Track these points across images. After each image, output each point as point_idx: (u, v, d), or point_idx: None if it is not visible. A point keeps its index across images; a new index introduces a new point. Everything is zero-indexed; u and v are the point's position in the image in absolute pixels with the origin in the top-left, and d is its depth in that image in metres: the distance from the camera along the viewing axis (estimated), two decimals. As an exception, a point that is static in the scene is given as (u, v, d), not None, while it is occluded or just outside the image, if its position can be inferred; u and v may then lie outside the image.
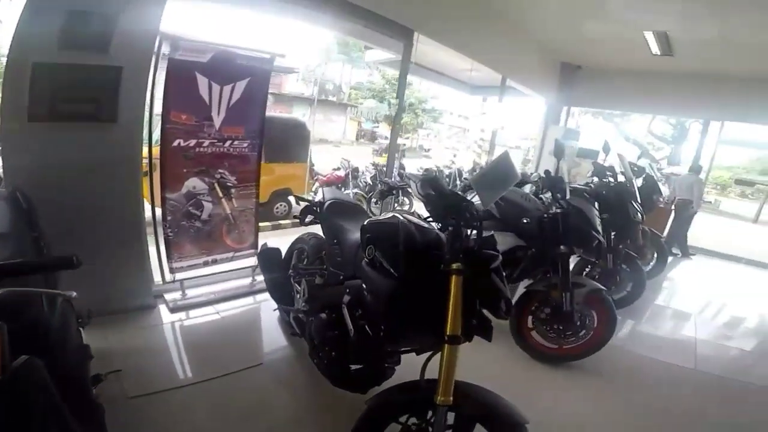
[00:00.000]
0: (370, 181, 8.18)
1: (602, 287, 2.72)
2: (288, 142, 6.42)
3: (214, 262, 3.19)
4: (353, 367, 1.77)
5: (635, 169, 4.30)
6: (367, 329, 1.64)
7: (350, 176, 8.06)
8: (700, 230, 7.10)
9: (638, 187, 3.99)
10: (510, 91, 7.41)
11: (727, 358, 3.31)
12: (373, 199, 7.81)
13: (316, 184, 8.04)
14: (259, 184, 3.33)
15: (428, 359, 1.46)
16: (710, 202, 13.98)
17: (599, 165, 3.98)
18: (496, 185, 1.64)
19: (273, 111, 16.84)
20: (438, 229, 1.58)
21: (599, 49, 6.30)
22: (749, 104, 6.29)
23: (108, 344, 2.32)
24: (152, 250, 2.90)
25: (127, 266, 2.68)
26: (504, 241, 2.67)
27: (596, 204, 2.97)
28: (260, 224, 5.91)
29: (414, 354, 1.65)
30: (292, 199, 6.70)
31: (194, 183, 2.93)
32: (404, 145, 18.37)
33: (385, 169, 8.35)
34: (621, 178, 3.81)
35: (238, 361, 2.39)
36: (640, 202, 3.70)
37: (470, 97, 10.67)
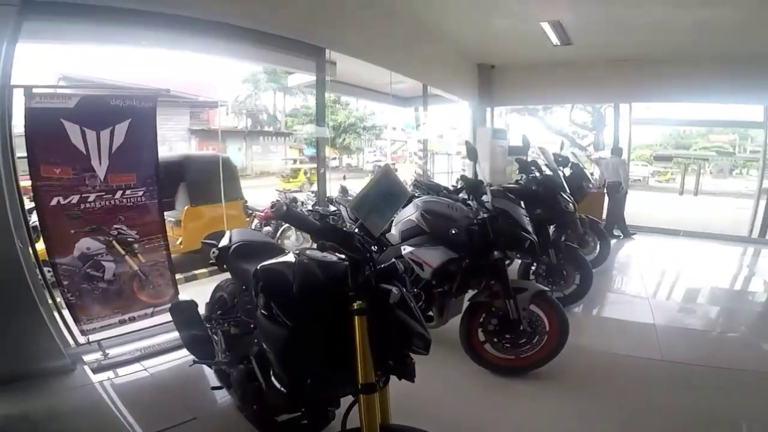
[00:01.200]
0: (312, 209, 7.86)
1: (544, 288, 2.62)
2: (213, 182, 5.86)
3: (132, 319, 2.87)
4: (288, 416, 1.61)
5: (560, 159, 4.34)
6: (275, 382, 1.44)
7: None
8: (636, 208, 7.47)
9: (566, 177, 4.03)
10: (437, 99, 7.52)
11: (690, 343, 3.23)
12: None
13: (255, 221, 7.61)
14: (166, 235, 2.99)
15: (349, 408, 1.28)
16: (639, 180, 14.96)
17: (522, 161, 3.99)
18: (384, 207, 1.45)
19: (203, 149, 16.26)
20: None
21: (506, 45, 6.51)
22: (650, 84, 6.77)
23: (26, 409, 2.18)
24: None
25: (30, 333, 2.42)
26: (436, 255, 2.51)
27: (522, 202, 2.88)
28: (197, 272, 5.55)
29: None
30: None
31: (87, 244, 2.58)
32: (347, 166, 18.29)
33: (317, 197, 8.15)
34: (547, 171, 3.83)
35: (170, 417, 2.15)
36: (570, 191, 3.71)
37: (403, 109, 10.75)
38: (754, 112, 7.31)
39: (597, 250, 4.77)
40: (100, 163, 2.55)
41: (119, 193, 2.67)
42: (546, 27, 5.26)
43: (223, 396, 2.36)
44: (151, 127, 2.76)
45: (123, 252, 2.73)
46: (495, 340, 2.57)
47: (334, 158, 23.27)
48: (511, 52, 6.91)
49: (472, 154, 2.84)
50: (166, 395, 2.44)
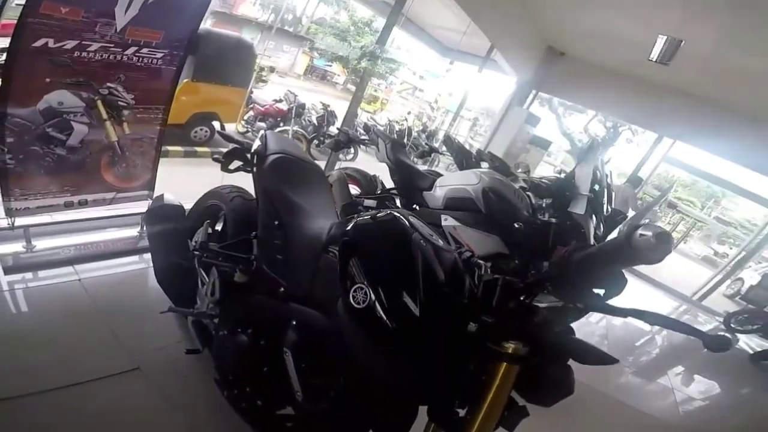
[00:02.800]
0: (315, 122, 7.30)
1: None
2: (226, 62, 5.38)
3: (84, 204, 2.26)
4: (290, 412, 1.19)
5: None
6: (325, 392, 1.04)
7: (293, 112, 7.03)
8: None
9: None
10: (474, 60, 6.86)
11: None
12: (318, 145, 7.00)
13: (250, 113, 6.92)
14: (169, 108, 2.39)
15: None
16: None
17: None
18: None
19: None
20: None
21: (593, 41, 5.86)
22: (713, 130, 6.27)
23: None
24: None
25: None
26: (485, 244, 2.15)
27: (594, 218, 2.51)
28: (171, 148, 4.94)
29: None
30: (217, 125, 5.65)
31: (62, 97, 1.94)
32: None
33: (333, 113, 7.51)
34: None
35: (101, 362, 1.61)
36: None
37: (440, 57, 9.90)
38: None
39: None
40: (126, 11, 1.88)
41: (132, 49, 2.03)
42: (660, 40, 4.62)
43: (181, 338, 1.83)
44: None
45: (105, 116, 2.12)
46: None
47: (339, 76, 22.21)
48: (593, 48, 6.22)
49: (581, 152, 2.37)
50: (99, 323, 1.80)
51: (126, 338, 1.77)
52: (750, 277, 8.71)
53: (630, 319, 0.87)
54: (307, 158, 1.62)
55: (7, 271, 1.95)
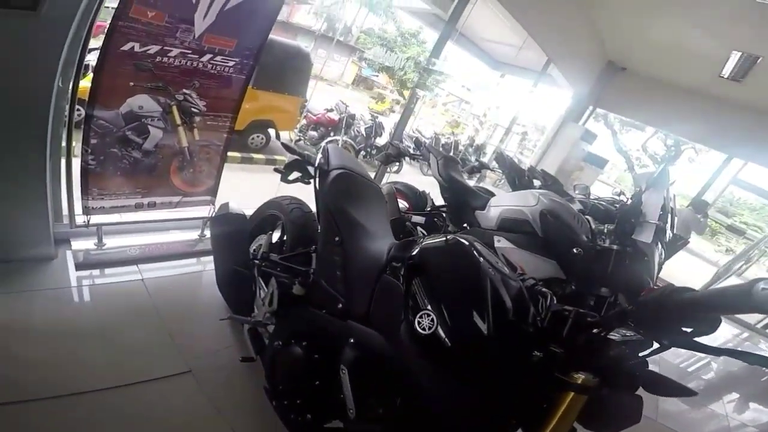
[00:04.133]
0: (363, 133, 7.40)
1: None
2: (284, 71, 5.58)
3: (152, 205, 2.40)
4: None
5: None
6: (379, 413, 1.03)
7: (344, 123, 7.18)
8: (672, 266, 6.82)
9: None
10: (526, 74, 6.72)
11: None
12: (366, 156, 7.07)
13: (303, 121, 7.13)
14: (236, 117, 2.51)
15: None
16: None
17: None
18: None
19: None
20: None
21: (659, 55, 5.59)
22: None
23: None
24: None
25: (21, 198, 1.84)
26: (540, 268, 2.06)
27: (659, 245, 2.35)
28: (229, 154, 5.22)
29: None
30: (272, 132, 5.87)
31: (142, 101, 2.07)
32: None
33: (381, 124, 7.58)
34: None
35: (158, 361, 1.68)
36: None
37: (491, 70, 9.78)
38: None
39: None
40: (204, 18, 2.00)
41: (208, 56, 2.14)
42: (734, 56, 4.33)
43: (236, 344, 1.89)
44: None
45: (180, 121, 2.25)
46: None
47: (388, 89, 22.44)
48: (659, 62, 5.94)
49: (652, 178, 2.24)
50: (157, 324, 1.87)
51: (181, 340, 1.83)
52: None
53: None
54: (367, 175, 1.60)
55: (78, 267, 2.07)
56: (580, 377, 0.83)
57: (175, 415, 1.54)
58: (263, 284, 1.64)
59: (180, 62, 2.07)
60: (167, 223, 2.58)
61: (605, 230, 2.25)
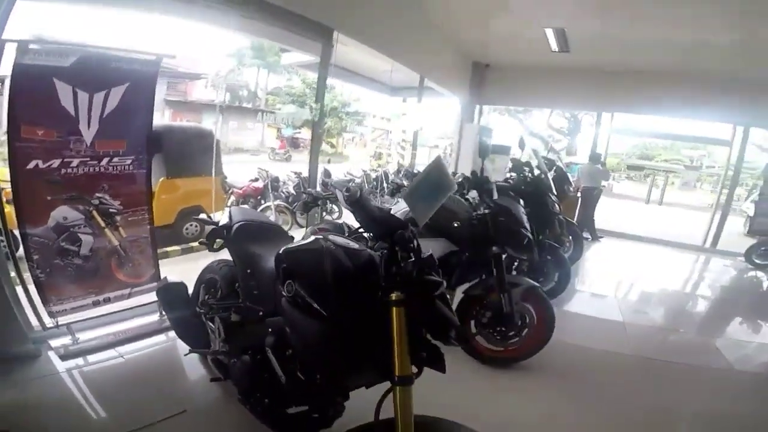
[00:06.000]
0: (293, 191, 7.71)
1: (536, 284, 2.71)
2: (193, 154, 5.68)
3: (107, 300, 2.68)
4: (295, 409, 1.54)
5: (547, 162, 4.47)
6: (299, 374, 1.41)
7: (270, 187, 7.50)
8: (603, 213, 7.80)
9: (552, 179, 4.18)
10: (427, 92, 7.51)
11: (653, 340, 3.53)
12: (298, 212, 7.36)
13: (232, 198, 7.38)
14: (151, 207, 2.85)
15: (383, 397, 1.27)
16: (604, 186, 15.55)
17: (517, 161, 4.09)
18: (431, 197, 1.47)
19: (179, 120, 15.53)
20: (370, 246, 1.40)
21: (505, 47, 6.61)
22: (635, 96, 7.03)
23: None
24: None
25: None
26: (437, 247, 2.55)
27: (521, 201, 2.96)
28: (169, 249, 5.34)
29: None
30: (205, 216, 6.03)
31: (65, 212, 2.40)
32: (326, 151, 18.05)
33: (307, 177, 7.99)
34: (536, 172, 3.93)
35: (156, 410, 2.00)
36: (555, 193, 3.85)
37: (390, 98, 10.67)
38: (722, 131, 7.75)
39: (570, 250, 4.94)
40: (89, 127, 2.37)
41: (105, 159, 2.51)
42: (549, 33, 5.36)
43: (212, 386, 2.21)
44: (150, 93, 2.61)
45: (103, 224, 2.57)
46: (486, 331, 2.65)
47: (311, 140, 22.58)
48: (508, 53, 7.02)
49: (484, 151, 2.88)
50: (149, 384, 2.24)
51: (170, 390, 2.19)
52: (748, 209, 8.76)
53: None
54: (265, 219, 2.16)
55: (63, 358, 2.35)
56: (393, 294, 1.20)
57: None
58: (211, 324, 2.04)
59: (84, 170, 2.42)
60: (128, 312, 2.82)
61: (478, 200, 2.79)
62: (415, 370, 1.24)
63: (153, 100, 2.65)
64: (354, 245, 1.39)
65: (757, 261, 6.38)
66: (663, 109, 7.32)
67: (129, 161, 2.62)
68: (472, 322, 2.68)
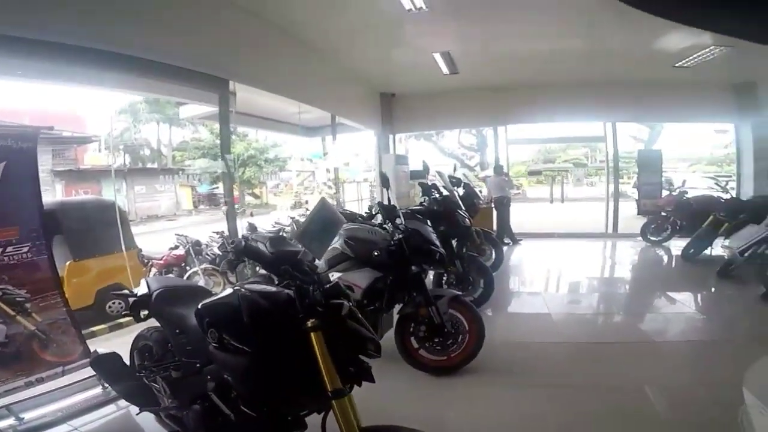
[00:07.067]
0: (219, 251, 7.36)
1: (457, 292, 2.97)
2: (96, 231, 5.16)
3: (41, 380, 2.54)
4: None
5: (454, 180, 4.90)
6: (246, 410, 1.48)
7: (192, 252, 7.10)
8: (518, 218, 8.57)
9: (460, 196, 4.60)
10: (343, 128, 7.71)
11: (579, 325, 3.91)
12: (227, 271, 7.06)
13: (153, 270, 6.88)
14: (63, 291, 2.73)
15: (325, 415, 1.39)
16: (518, 192, 17.21)
17: (424, 185, 4.48)
18: (324, 235, 1.64)
19: (74, 193, 13.84)
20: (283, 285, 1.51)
21: (403, 75, 7.15)
22: (522, 108, 8.05)
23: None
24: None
25: None
26: (364, 276, 2.76)
27: (428, 221, 3.27)
28: (95, 328, 4.90)
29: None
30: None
31: None
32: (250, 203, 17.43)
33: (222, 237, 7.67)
34: (445, 192, 4.31)
35: None
36: (464, 208, 4.24)
37: (310, 139, 10.82)
38: (599, 129, 8.96)
39: (493, 257, 5.35)
40: None
41: None
42: (437, 57, 5.94)
43: None
44: (32, 168, 2.52)
45: (12, 313, 2.45)
46: (427, 344, 2.84)
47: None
48: (408, 81, 7.59)
49: (385, 182, 3.12)
50: None
51: None
52: (633, 193, 9.53)
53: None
54: (183, 283, 2.19)
55: None
56: (309, 321, 1.34)
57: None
58: (155, 384, 2.08)
59: (-21, 265, 2.24)
60: (72, 387, 2.67)
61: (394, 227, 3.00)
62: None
63: (38, 176, 2.56)
64: (271, 288, 1.52)
65: (652, 238, 7.31)
66: (547, 116, 8.42)
67: (26, 249, 2.49)
68: (412, 339, 2.85)
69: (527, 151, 21.33)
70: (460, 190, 4.85)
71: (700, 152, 17.80)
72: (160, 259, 6.96)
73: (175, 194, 19.67)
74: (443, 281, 4.09)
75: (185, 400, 1.78)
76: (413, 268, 2.79)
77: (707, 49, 5.53)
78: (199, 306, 1.55)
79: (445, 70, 6.48)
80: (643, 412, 2.40)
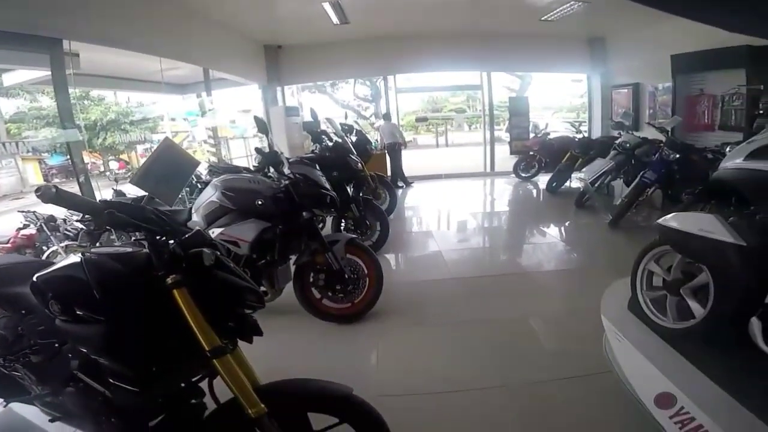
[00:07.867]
0: (83, 226, 6.41)
1: (353, 235, 2.98)
2: None
3: None
4: (153, 422, 1.40)
5: (346, 128, 4.88)
6: (120, 384, 1.31)
7: (45, 229, 6.04)
8: (411, 163, 9.02)
9: (353, 142, 4.59)
10: (223, 83, 7.17)
11: (467, 260, 4.23)
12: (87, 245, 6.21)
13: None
14: None
15: (210, 380, 1.31)
16: (411, 141, 17.92)
17: (313, 132, 4.35)
18: (171, 178, 1.46)
19: None
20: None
21: (291, 26, 6.71)
22: (409, 58, 8.15)
23: None
24: None
25: None
26: (249, 228, 2.52)
27: (317, 166, 3.13)
28: None
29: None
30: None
31: None
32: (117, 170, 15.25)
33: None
34: (336, 138, 4.25)
35: None
36: (357, 153, 4.25)
37: (182, 97, 9.67)
38: (477, 78, 9.57)
39: (387, 201, 5.54)
40: None
41: None
42: (327, 7, 5.61)
43: (56, 427, 1.85)
44: None
45: None
46: (329, 293, 2.81)
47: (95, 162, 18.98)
48: (296, 32, 7.14)
49: (262, 127, 2.89)
50: None
51: None
52: (506, 136, 10.23)
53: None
54: (20, 259, 1.93)
55: None
56: (169, 279, 1.19)
57: None
58: (17, 373, 1.79)
59: None
60: None
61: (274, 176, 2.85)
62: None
63: None
64: (125, 249, 1.35)
65: (522, 174, 8.25)
66: (432, 66, 8.68)
67: None
68: (313, 289, 2.81)
69: (416, 101, 21.98)
70: (353, 137, 4.84)
71: (561, 101, 20.07)
72: (7, 242, 5.82)
73: (17, 169, 16.43)
74: (341, 228, 4.12)
75: (56, 384, 1.56)
76: (304, 214, 2.65)
77: (568, 4, 6.03)
78: (35, 278, 1.32)
79: (335, 20, 6.19)
80: (530, 343, 2.61)
